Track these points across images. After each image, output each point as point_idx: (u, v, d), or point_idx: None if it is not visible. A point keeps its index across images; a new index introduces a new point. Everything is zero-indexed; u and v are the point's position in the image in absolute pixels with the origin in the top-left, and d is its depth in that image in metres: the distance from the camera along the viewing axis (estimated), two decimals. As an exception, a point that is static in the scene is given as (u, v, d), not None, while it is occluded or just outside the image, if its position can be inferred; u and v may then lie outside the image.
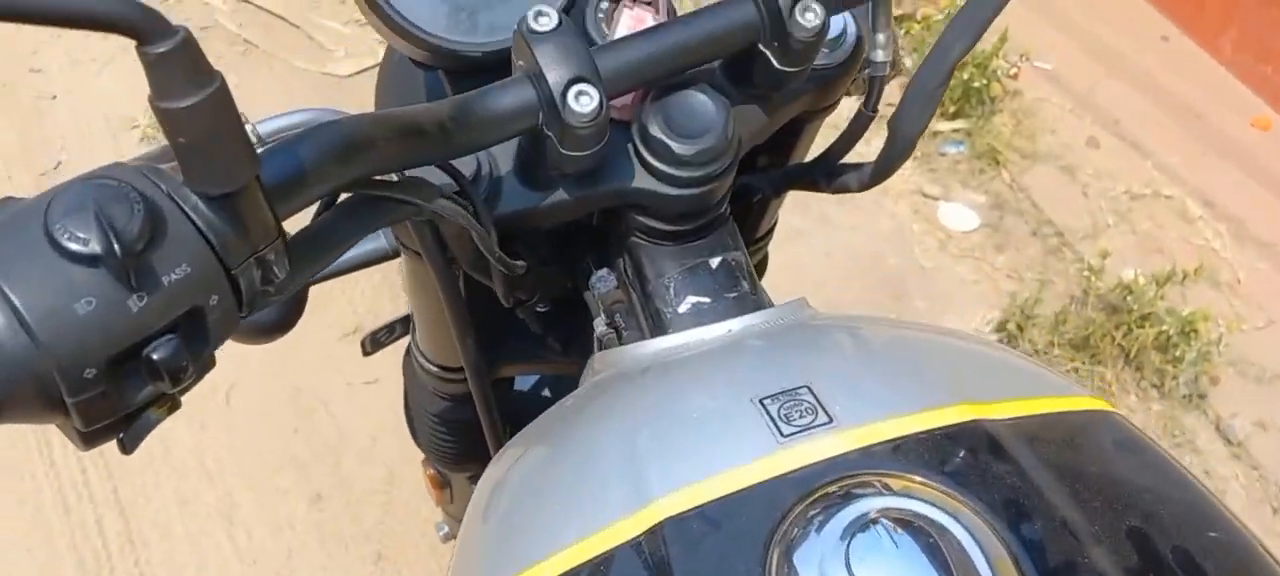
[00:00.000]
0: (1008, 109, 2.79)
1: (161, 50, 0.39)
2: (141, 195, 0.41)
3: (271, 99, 2.57)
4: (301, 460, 1.94)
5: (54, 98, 2.50)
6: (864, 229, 2.51)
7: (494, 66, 0.68)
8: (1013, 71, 2.80)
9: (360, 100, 2.56)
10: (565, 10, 0.69)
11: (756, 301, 0.67)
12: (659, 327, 0.66)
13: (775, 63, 0.63)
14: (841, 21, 0.73)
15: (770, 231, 0.92)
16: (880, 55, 0.69)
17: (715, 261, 0.68)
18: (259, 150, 0.45)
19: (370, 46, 2.78)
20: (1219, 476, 2.07)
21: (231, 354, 1.98)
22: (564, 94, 0.57)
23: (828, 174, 0.76)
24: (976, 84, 2.67)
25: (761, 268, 0.97)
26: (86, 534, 1.82)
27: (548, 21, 0.58)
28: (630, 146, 0.65)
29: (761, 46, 0.63)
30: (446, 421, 0.95)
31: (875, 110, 0.71)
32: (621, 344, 0.70)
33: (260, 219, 0.45)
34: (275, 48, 2.72)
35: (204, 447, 1.93)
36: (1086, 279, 2.33)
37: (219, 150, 0.42)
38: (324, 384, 2.04)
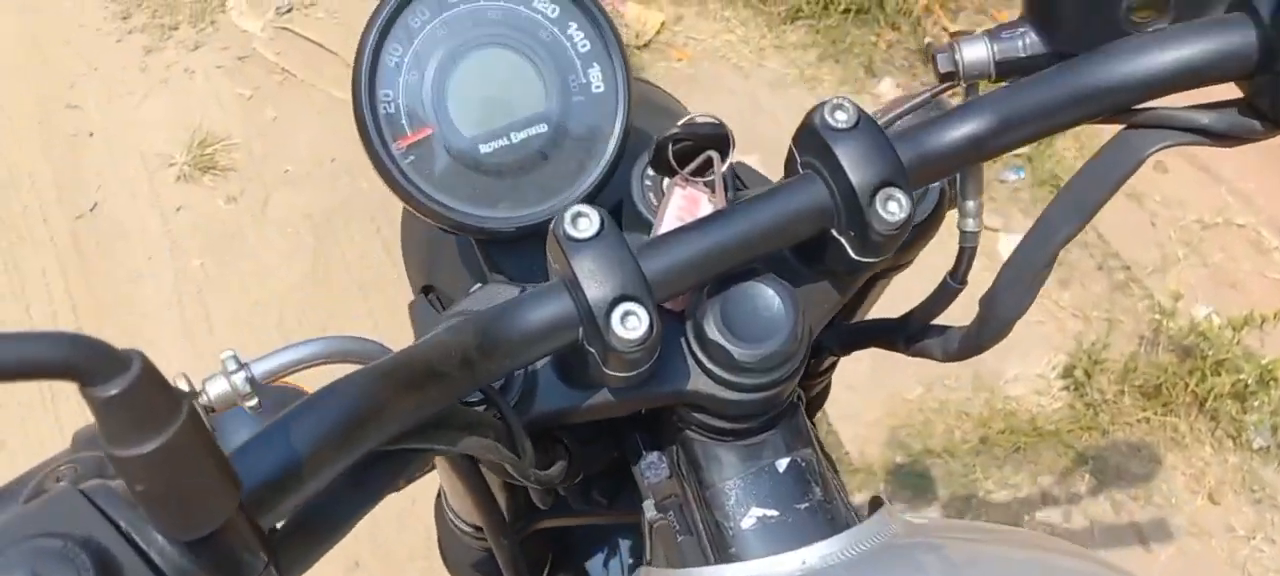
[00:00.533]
0: (1070, 131, 2.67)
1: (112, 393, 0.32)
2: (91, 551, 0.34)
3: (310, 131, 2.51)
4: (339, 521, 1.88)
5: (91, 135, 2.46)
6: (921, 263, 2.40)
7: (529, 237, 0.60)
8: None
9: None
10: (607, 175, 0.61)
11: (831, 513, 0.58)
12: (721, 546, 0.58)
13: (851, 252, 0.54)
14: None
15: (833, 365, 0.84)
16: (970, 224, 0.60)
17: (783, 464, 0.59)
18: (235, 466, 0.37)
19: (409, 74, 2.71)
20: (1303, 539, 1.95)
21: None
22: (608, 314, 0.49)
23: (908, 337, 0.67)
24: (1038, 108, 2.55)
25: (823, 396, 0.89)
26: (121, 601, 1.78)
27: (588, 225, 0.50)
28: (684, 342, 0.57)
29: (835, 233, 0.54)
30: (483, 570, 0.88)
31: (964, 282, 0.62)
32: (678, 544, 0.62)
33: (243, 545, 0.37)
34: (314, 77, 2.66)
35: (240, 508, 1.89)
36: (1157, 321, 2.21)
37: (190, 492, 0.34)
38: (362, 438, 1.98)
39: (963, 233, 0.61)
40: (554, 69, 0.60)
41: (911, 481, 1.98)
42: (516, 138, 0.60)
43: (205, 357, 2.06)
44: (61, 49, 2.65)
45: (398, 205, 0.91)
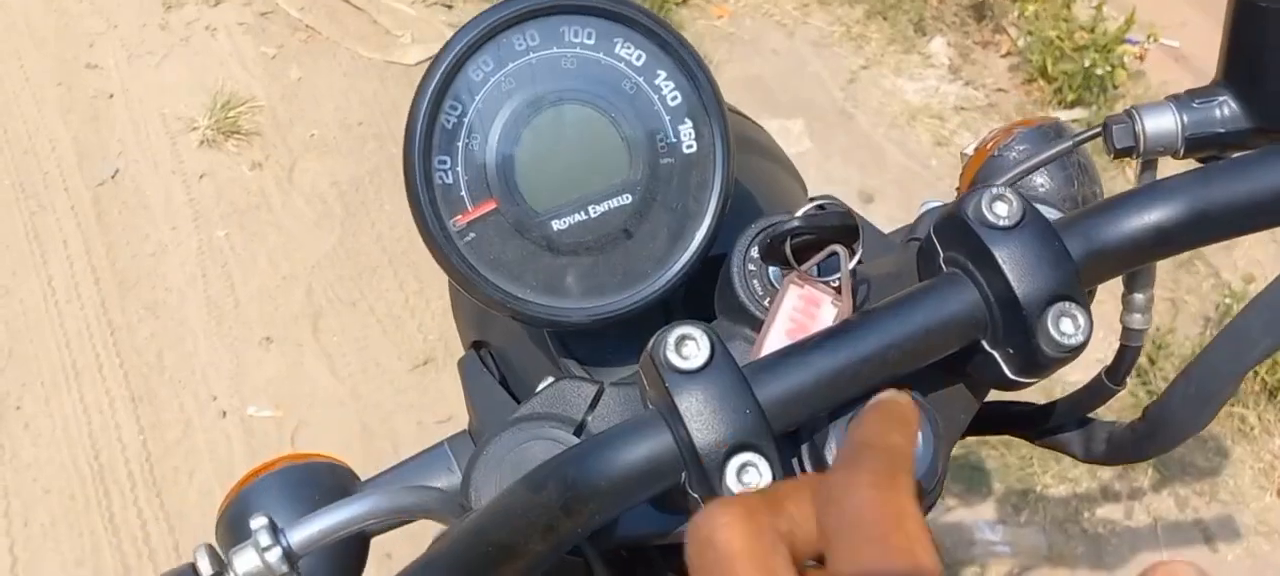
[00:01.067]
0: (1131, 94, 2.54)
1: None
2: None
3: (336, 92, 2.42)
4: (371, 511, 1.81)
5: (111, 96, 2.38)
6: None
7: (609, 328, 0.51)
8: (1140, 52, 2.52)
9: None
10: (702, 255, 0.52)
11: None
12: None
13: (1007, 371, 0.45)
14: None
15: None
16: (1137, 321, 0.51)
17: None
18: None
19: (438, 30, 2.61)
20: (1381, 541, 1.85)
21: (296, 390, 1.82)
22: (722, 465, 0.40)
23: (1043, 428, 0.58)
24: (1099, 71, 2.42)
25: (936, 491, 0.80)
26: (148, 593, 1.73)
27: (695, 352, 0.41)
28: (797, 465, 0.48)
29: (986, 346, 0.45)
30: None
31: (1122, 383, 0.53)
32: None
33: None
34: (339, 34, 2.56)
35: (269, 497, 1.82)
36: (1225, 303, 2.10)
37: None
38: (394, 422, 1.91)
39: (1127, 330, 0.51)
40: (640, 127, 0.51)
41: (966, 474, 1.89)
42: (595, 211, 0.50)
43: (231, 337, 1.99)
44: (80, 4, 2.55)
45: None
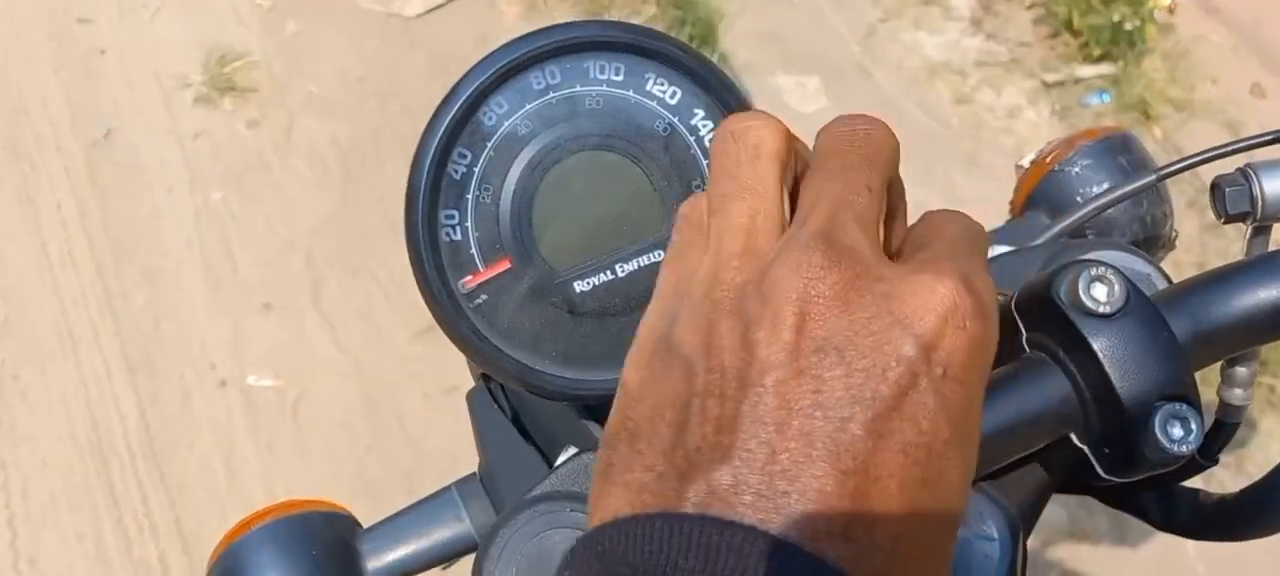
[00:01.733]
0: (1160, 49, 2.45)
1: None
2: None
3: (334, 47, 2.34)
4: (375, 486, 1.78)
5: (103, 52, 2.30)
6: (995, 199, 2.23)
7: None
8: (1170, 5, 2.43)
9: (431, 49, 2.32)
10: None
11: None
12: None
13: (1099, 469, 0.39)
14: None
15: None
16: (1238, 396, 0.45)
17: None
18: None
19: (441, -20, 2.52)
20: None
21: (297, 359, 1.76)
22: None
23: (1123, 491, 0.52)
24: (1128, 26, 2.33)
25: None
26: (148, 571, 1.70)
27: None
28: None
29: (1076, 441, 0.39)
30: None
31: (1215, 460, 0.47)
32: None
33: None
34: (337, -15, 2.47)
35: (271, 471, 1.78)
36: None
37: None
38: (398, 393, 1.87)
39: (1225, 405, 0.45)
40: (674, 174, 0.44)
41: (985, 448, 1.84)
42: (623, 270, 0.44)
43: (230, 305, 1.94)
44: (69, -46, 2.46)
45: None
